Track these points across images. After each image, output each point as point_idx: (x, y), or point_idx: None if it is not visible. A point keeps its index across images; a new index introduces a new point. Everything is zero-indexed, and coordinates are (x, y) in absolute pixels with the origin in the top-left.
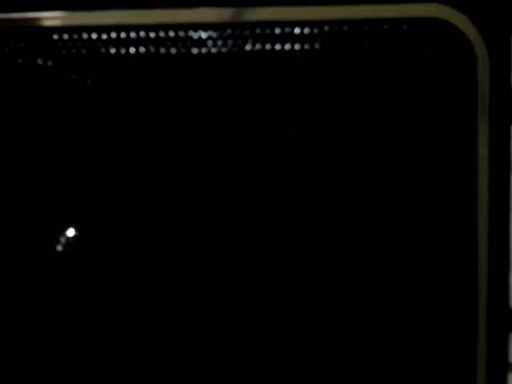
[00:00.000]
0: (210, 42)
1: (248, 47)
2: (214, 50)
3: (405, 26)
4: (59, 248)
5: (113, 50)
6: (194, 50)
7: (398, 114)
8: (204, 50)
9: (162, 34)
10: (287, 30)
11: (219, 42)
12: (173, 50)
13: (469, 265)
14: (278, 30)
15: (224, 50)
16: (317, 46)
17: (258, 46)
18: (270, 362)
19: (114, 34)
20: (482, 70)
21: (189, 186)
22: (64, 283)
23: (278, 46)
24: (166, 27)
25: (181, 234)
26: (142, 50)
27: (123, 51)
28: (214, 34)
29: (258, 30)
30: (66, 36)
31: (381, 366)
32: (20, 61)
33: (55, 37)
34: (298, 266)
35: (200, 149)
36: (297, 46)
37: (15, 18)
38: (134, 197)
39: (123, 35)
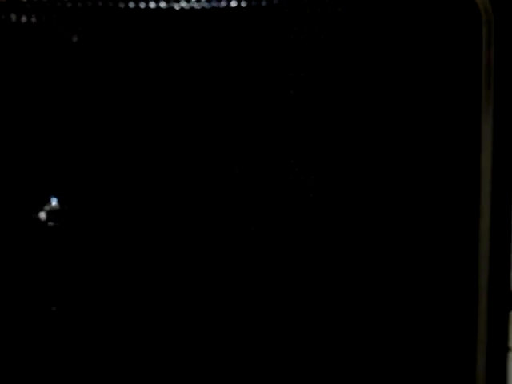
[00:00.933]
0: None
1: (234, 3)
2: (197, 6)
3: None
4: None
5: (97, 4)
6: (176, 6)
7: (402, 79)
8: (186, 5)
9: None
10: None
11: None
12: (152, 5)
13: (470, 251)
14: None
15: (207, 5)
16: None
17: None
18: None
19: None
20: (486, 33)
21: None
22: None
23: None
24: None
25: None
26: (120, 5)
27: (103, 5)
28: None
29: None
30: None
31: (385, 345)
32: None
33: None
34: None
35: (188, 115)
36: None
37: None
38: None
39: None
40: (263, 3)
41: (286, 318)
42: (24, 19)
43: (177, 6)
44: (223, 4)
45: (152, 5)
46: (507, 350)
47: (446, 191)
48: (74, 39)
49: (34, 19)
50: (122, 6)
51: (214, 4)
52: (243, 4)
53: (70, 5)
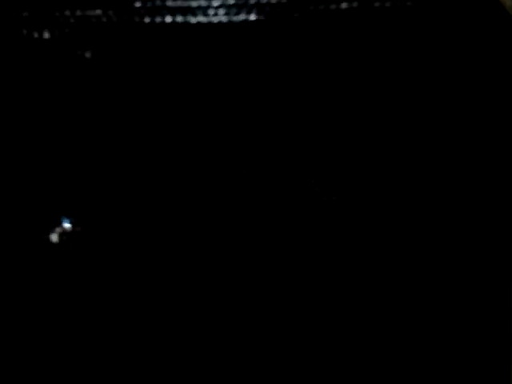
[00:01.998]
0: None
1: (252, 17)
2: (214, 20)
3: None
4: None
5: (111, 20)
6: (193, 20)
7: (435, 89)
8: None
9: (158, 2)
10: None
11: (221, 11)
12: (168, 19)
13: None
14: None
15: (225, 19)
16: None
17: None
18: (272, 362)
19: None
20: None
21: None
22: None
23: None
24: None
25: (180, 228)
26: (136, 19)
27: (116, 20)
28: (216, 3)
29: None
30: (62, 9)
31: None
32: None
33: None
34: (310, 267)
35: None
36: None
37: None
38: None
39: (123, 4)
40: (282, 17)
41: (294, 319)
42: (37, 35)
43: (193, 20)
44: (241, 18)
45: (168, 19)
46: None
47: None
48: (88, 55)
49: (47, 35)
50: (137, 20)
51: (232, 18)
52: (261, 18)
53: (84, 20)
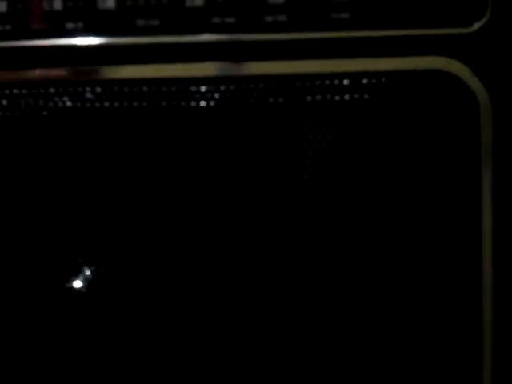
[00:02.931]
0: (208, 95)
1: (246, 100)
2: (212, 103)
3: (411, 78)
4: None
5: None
6: (192, 103)
7: (404, 162)
8: (202, 103)
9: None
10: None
11: (216, 96)
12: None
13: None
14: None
15: (221, 103)
16: (317, 98)
17: (254, 100)
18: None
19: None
20: (484, 118)
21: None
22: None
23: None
24: (161, 81)
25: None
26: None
27: (118, 105)
28: (212, 88)
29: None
30: (61, 89)
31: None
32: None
33: (51, 90)
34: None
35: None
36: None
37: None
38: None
39: (125, 89)
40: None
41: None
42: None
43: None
44: None
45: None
46: None
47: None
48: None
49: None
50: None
51: None
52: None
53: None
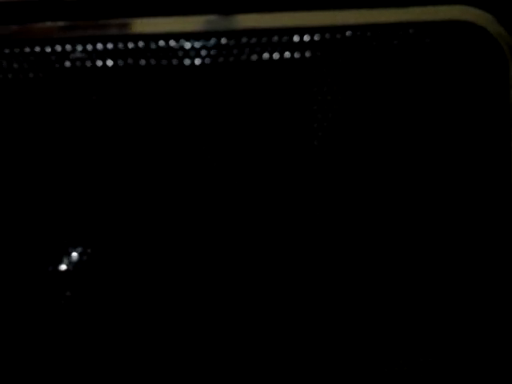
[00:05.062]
0: (192, 53)
1: (234, 57)
2: (197, 62)
3: (430, 29)
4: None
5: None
6: (175, 62)
7: (426, 121)
8: (187, 62)
9: (141, 44)
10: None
11: (203, 53)
12: (153, 61)
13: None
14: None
15: (208, 60)
16: (318, 53)
17: (244, 56)
18: (272, 362)
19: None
20: None
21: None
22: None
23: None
24: (146, 37)
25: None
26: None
27: (101, 63)
28: (197, 44)
29: (245, 39)
30: (57, 48)
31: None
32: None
33: (47, 49)
34: (308, 266)
35: (197, 160)
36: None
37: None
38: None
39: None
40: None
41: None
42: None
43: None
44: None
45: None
46: None
47: None
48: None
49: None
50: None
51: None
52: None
53: (68, 64)
